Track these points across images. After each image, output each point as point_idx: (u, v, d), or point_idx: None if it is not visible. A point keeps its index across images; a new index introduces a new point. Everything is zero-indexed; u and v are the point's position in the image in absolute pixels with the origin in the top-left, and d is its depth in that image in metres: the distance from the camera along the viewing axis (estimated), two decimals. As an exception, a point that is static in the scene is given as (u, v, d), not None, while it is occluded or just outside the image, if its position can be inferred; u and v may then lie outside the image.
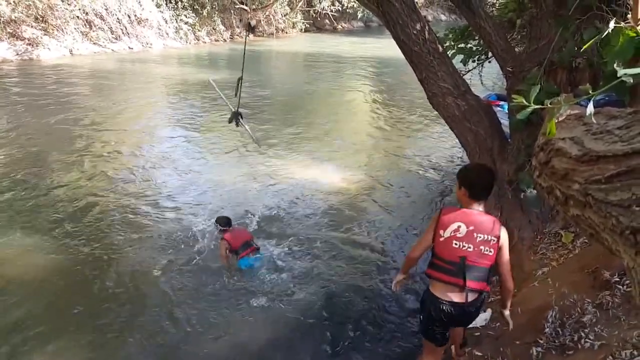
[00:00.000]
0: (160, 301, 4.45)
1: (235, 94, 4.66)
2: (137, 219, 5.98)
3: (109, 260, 5.03)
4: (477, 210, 2.68)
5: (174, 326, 4.13)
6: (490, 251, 2.61)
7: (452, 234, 2.61)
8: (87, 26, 19.64)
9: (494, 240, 2.61)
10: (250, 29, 4.65)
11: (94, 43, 19.58)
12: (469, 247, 2.59)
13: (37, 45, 17.37)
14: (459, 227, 2.60)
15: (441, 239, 2.63)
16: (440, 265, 2.64)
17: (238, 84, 4.63)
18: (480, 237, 2.60)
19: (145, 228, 5.74)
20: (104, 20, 20.10)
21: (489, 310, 3.67)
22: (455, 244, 2.60)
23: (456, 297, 2.62)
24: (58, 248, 5.20)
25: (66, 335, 3.95)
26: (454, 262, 2.60)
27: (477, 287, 2.62)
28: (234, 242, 5.00)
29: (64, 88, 13.06)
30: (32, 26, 17.61)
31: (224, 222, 5.27)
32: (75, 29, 19.06)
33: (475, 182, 2.68)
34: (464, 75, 4.68)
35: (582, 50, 3.34)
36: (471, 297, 2.63)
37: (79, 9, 19.07)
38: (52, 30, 18.24)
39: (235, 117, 4.75)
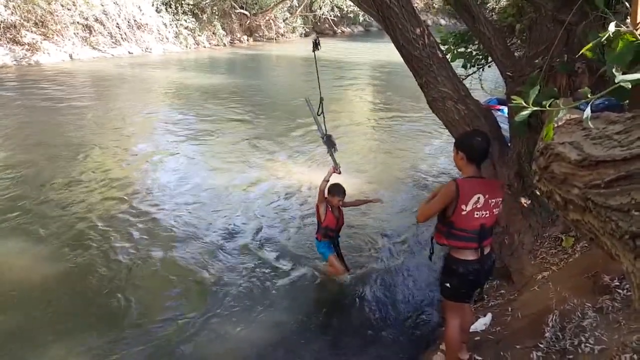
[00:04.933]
0: (158, 304, 4.43)
1: (319, 113, 4.42)
2: (136, 224, 5.95)
3: (107, 265, 5.00)
4: (484, 177, 2.88)
5: (172, 328, 4.11)
6: (498, 209, 2.87)
7: (473, 207, 2.75)
8: (87, 31, 19.71)
9: (500, 200, 2.87)
10: (315, 45, 4.36)
11: (94, 48, 19.65)
12: (486, 214, 2.79)
13: (36, 50, 17.41)
14: (479, 198, 2.75)
15: (463, 213, 2.76)
16: (461, 235, 2.82)
17: (320, 106, 4.42)
18: (493, 201, 2.81)
19: (144, 233, 5.72)
20: (103, 25, 20.18)
21: (489, 315, 3.67)
22: (477, 214, 2.77)
23: (476, 256, 2.86)
24: (55, 254, 5.17)
25: (62, 342, 3.92)
26: (475, 231, 2.79)
27: (488, 243, 2.91)
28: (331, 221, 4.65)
29: (64, 93, 13.06)
30: (31, 31, 17.65)
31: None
32: (75, 34, 19.12)
33: (471, 145, 2.82)
34: (463, 79, 4.68)
35: (578, 54, 3.35)
36: (486, 251, 2.89)
37: (79, 14, 19.13)
38: (52, 35, 18.28)
39: (328, 142, 4.52)
